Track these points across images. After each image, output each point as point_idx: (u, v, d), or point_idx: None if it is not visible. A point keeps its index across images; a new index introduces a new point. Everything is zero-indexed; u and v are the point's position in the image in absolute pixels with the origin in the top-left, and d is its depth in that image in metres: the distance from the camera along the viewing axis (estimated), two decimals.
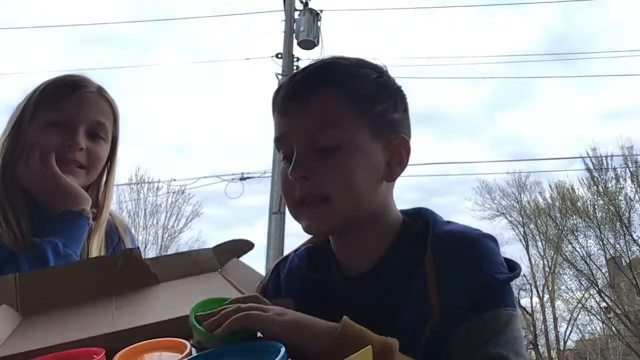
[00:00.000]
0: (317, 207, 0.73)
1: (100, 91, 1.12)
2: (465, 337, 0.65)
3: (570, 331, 13.25)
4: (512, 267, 0.71)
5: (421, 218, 0.78)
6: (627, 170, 12.30)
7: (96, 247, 1.08)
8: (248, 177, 9.55)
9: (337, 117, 0.73)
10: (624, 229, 12.10)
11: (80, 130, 1.07)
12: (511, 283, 0.71)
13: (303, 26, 8.06)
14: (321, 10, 8.24)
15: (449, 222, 0.77)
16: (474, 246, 0.71)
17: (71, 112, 1.07)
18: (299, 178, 0.72)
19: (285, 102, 0.76)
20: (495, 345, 0.64)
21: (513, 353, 0.64)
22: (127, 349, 0.59)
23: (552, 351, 13.07)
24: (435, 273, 0.69)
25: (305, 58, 8.14)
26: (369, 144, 0.74)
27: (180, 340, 0.59)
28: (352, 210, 0.74)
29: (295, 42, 8.08)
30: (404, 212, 0.80)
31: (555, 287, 13.45)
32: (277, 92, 0.78)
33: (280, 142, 0.77)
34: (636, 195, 11.98)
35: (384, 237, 0.77)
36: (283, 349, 0.51)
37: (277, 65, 7.94)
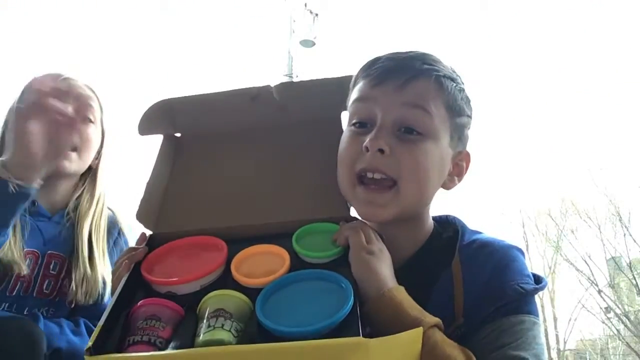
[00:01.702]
0: (382, 191, 0.72)
1: (82, 82, 1.12)
2: (486, 340, 0.66)
3: (571, 331, 13.24)
4: (538, 280, 0.72)
5: (450, 226, 0.80)
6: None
7: (86, 234, 1.08)
8: None
9: (432, 106, 0.73)
10: (624, 229, 12.10)
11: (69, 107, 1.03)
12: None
13: (303, 26, 8.05)
14: (320, 11, 8.23)
15: (478, 232, 0.79)
16: (502, 256, 0.72)
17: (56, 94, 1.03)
18: (376, 150, 0.71)
19: (384, 73, 0.74)
20: (516, 348, 0.65)
21: (533, 357, 0.64)
22: (242, 252, 0.71)
23: (552, 351, 13.04)
24: (463, 278, 0.71)
25: (304, 58, 8.14)
26: (446, 146, 0.75)
27: (286, 252, 0.69)
28: (414, 202, 0.74)
29: (295, 42, 8.07)
30: (433, 218, 0.82)
31: (555, 287, 13.43)
32: (372, 63, 0.77)
33: (362, 103, 0.75)
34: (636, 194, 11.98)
35: (417, 239, 0.79)
36: (351, 298, 0.59)
37: (277, 66, 7.93)
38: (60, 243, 1.09)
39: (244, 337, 0.58)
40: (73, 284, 1.05)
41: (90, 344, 0.56)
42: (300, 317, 0.58)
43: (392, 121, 0.73)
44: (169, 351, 0.57)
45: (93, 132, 1.11)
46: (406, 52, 0.78)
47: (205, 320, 0.59)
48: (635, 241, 11.90)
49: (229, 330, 0.57)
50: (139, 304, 0.62)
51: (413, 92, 0.73)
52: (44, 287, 1.06)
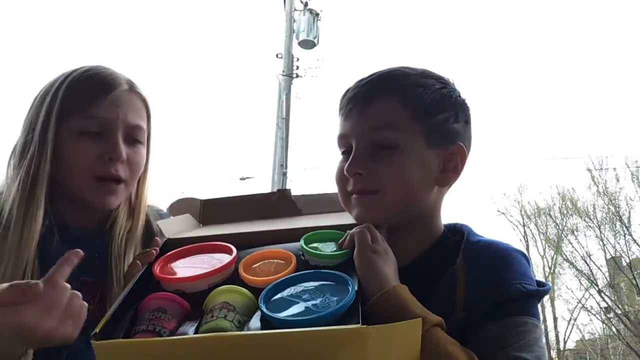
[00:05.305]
0: (366, 196, 0.78)
1: (132, 87, 0.99)
2: (488, 339, 0.67)
3: (571, 331, 13.24)
4: (542, 285, 0.73)
5: (458, 232, 0.83)
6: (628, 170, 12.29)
7: (123, 253, 0.98)
8: (247, 178, 9.55)
9: (394, 120, 0.78)
10: (624, 229, 12.10)
11: (120, 139, 0.94)
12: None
13: (303, 26, 8.05)
14: (321, 10, 8.23)
15: (483, 236, 0.81)
16: (506, 256, 0.75)
17: (106, 118, 0.94)
18: (353, 174, 0.78)
19: (348, 104, 0.81)
20: (519, 349, 0.66)
21: (535, 359, 0.65)
22: (250, 255, 0.73)
23: (552, 351, 13.04)
24: (465, 275, 0.73)
25: (304, 58, 8.15)
26: (422, 149, 0.78)
27: (293, 256, 0.72)
28: (401, 203, 0.78)
29: (295, 42, 8.07)
30: (444, 225, 0.85)
31: (555, 287, 13.43)
32: (344, 95, 0.84)
33: (341, 140, 0.83)
34: (636, 195, 11.98)
35: (424, 240, 0.82)
36: (353, 292, 0.61)
37: (278, 66, 7.95)
38: (95, 267, 0.95)
39: (246, 329, 0.60)
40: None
41: (97, 330, 0.58)
42: (302, 309, 0.60)
43: (364, 146, 0.78)
44: (172, 337, 0.59)
45: (141, 155, 0.99)
46: (369, 76, 0.83)
47: (209, 312, 0.61)
48: (635, 241, 11.92)
49: (232, 321, 0.59)
50: (147, 297, 0.65)
51: (374, 115, 0.78)
52: None
